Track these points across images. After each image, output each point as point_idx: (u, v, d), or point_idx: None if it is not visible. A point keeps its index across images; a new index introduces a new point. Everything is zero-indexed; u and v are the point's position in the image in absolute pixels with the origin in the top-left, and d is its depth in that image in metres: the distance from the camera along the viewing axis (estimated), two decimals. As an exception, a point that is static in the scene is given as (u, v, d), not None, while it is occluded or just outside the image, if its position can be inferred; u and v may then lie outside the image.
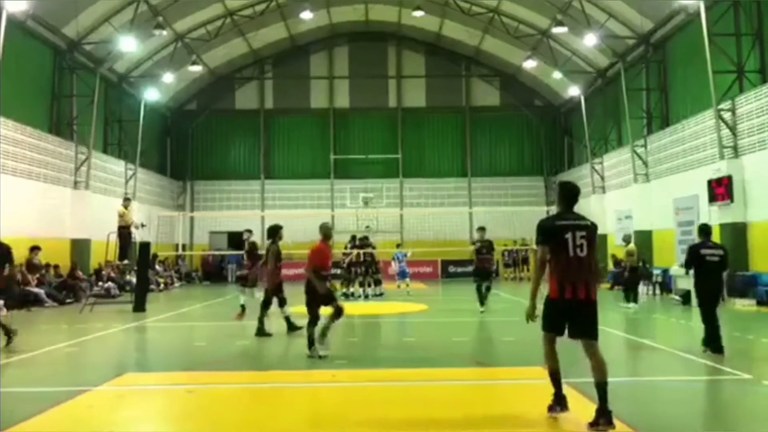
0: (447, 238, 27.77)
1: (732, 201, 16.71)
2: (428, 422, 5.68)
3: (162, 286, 24.33)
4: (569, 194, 5.70)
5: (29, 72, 20.17)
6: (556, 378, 5.56)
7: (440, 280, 29.33)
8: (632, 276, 15.71)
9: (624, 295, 15.72)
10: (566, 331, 5.41)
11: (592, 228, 5.51)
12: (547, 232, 5.51)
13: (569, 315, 5.38)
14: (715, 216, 17.43)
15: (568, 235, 5.40)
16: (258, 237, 29.43)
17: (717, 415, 6.09)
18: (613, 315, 13.98)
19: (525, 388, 6.95)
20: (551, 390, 5.52)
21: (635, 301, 15.35)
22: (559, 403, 5.54)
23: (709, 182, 17.52)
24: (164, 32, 22.84)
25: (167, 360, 9.16)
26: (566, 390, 5.58)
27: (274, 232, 11.11)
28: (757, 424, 5.70)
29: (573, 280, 5.34)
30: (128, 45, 21.67)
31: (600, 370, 5.28)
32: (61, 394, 6.53)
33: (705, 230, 9.10)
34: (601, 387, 5.21)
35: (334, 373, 7.72)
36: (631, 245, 16.21)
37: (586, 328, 5.37)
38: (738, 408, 6.31)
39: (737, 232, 16.76)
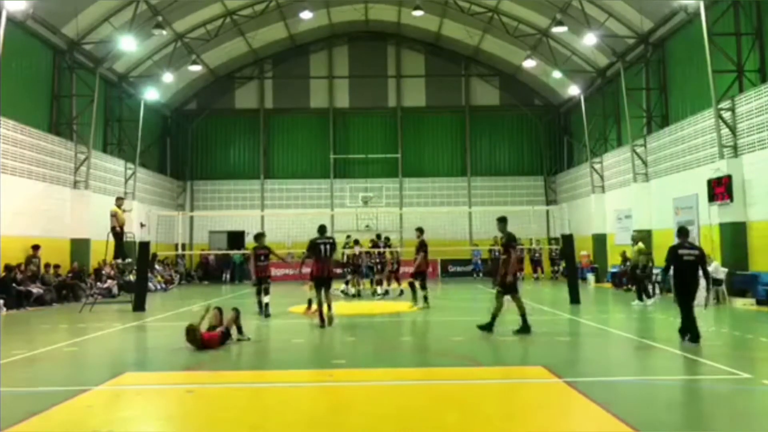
0: (446, 237, 27.75)
1: (732, 200, 16.68)
2: (427, 422, 5.69)
3: (164, 285, 24.40)
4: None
5: (29, 72, 20.18)
6: None
7: (439, 280, 29.32)
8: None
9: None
10: None
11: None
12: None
13: None
14: (714, 215, 17.45)
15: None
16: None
17: (717, 414, 6.08)
18: (611, 315, 13.96)
19: (525, 388, 6.95)
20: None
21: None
22: None
23: (709, 181, 17.50)
24: (164, 32, 22.84)
25: (167, 359, 9.15)
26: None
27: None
28: (756, 423, 5.70)
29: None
30: (128, 45, 21.70)
31: None
32: (61, 394, 6.54)
33: (683, 232, 10.04)
34: None
35: (332, 373, 7.73)
36: None
37: None
38: (738, 407, 6.30)
39: (737, 231, 16.75)
